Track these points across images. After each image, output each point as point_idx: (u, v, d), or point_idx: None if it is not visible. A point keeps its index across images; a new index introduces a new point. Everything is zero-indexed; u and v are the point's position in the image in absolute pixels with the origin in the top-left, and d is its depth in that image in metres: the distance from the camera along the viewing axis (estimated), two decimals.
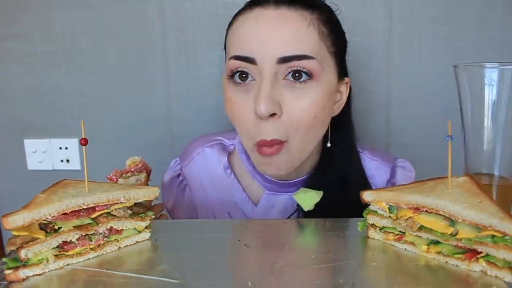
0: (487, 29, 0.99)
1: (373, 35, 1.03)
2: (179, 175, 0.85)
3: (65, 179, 0.54)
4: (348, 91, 0.73)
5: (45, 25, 1.12)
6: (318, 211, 0.64)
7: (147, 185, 0.70)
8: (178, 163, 0.86)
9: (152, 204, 0.73)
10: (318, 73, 0.64)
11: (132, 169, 0.69)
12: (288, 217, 0.71)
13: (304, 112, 0.64)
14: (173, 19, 1.08)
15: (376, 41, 1.03)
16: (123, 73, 1.12)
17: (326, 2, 0.72)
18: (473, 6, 0.99)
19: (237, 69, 0.65)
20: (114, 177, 0.67)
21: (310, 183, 0.75)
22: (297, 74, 0.63)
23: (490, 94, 0.52)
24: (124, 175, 0.68)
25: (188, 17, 1.07)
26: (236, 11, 0.70)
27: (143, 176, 0.70)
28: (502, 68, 0.52)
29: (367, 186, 0.77)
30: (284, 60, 0.62)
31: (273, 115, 0.63)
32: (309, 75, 0.63)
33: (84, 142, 0.51)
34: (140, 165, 0.70)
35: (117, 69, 1.12)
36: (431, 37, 1.02)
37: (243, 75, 0.65)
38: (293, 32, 0.63)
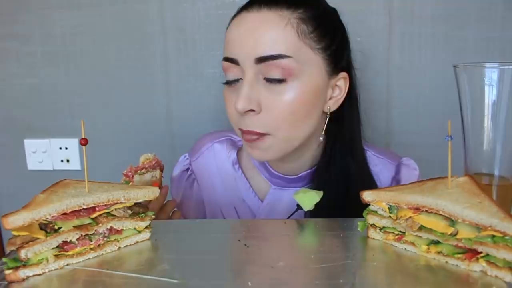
0: (487, 29, 0.99)
1: (373, 34, 1.03)
2: (187, 169, 0.87)
3: (65, 179, 0.54)
4: (347, 86, 0.73)
5: (45, 25, 1.12)
6: (321, 209, 0.64)
7: (161, 181, 0.73)
8: (187, 158, 0.88)
9: (165, 201, 0.75)
10: (294, 71, 0.66)
11: (146, 166, 0.71)
12: (289, 217, 0.71)
13: (281, 109, 0.67)
14: (173, 19, 1.08)
15: (376, 41, 1.03)
16: (123, 73, 1.12)
17: None
18: (473, 6, 0.99)
19: (226, 76, 0.71)
20: (129, 173, 0.69)
21: (315, 177, 0.77)
22: (272, 74, 0.66)
23: (490, 94, 0.52)
24: (139, 171, 0.69)
25: (188, 17, 1.07)
26: (235, 11, 0.72)
27: (157, 173, 0.72)
28: (502, 68, 0.52)
29: (371, 181, 0.78)
30: (260, 60, 0.66)
31: (251, 110, 0.67)
32: (284, 74, 0.66)
33: (84, 142, 0.51)
34: (153, 162, 0.72)
35: (117, 69, 1.12)
36: (431, 37, 1.02)
37: (232, 77, 0.70)
38: (269, 33, 0.66)
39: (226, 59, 0.70)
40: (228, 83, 0.71)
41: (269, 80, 0.66)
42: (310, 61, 0.68)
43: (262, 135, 0.68)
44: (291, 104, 0.67)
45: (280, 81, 0.66)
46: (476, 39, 1.00)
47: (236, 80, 0.70)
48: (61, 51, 1.13)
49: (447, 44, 1.02)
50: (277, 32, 0.66)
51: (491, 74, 0.52)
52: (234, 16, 0.72)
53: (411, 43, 1.03)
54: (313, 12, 0.69)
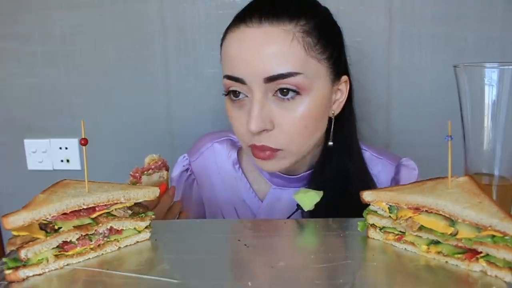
0: (488, 29, 1.00)
1: (373, 35, 1.03)
2: (187, 169, 0.87)
3: (65, 179, 0.54)
4: (348, 88, 0.74)
5: (45, 25, 1.12)
6: (321, 209, 0.64)
7: (168, 182, 0.73)
8: (187, 158, 0.87)
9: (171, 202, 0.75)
10: (306, 86, 0.65)
11: (152, 166, 0.70)
12: (288, 217, 0.71)
13: (294, 125, 0.66)
14: (173, 19, 1.08)
15: (376, 41, 1.03)
16: (123, 73, 1.12)
17: (314, 1, 0.72)
18: (473, 6, 0.99)
19: (229, 88, 0.69)
20: (136, 174, 0.69)
21: (315, 176, 0.77)
22: (284, 91, 0.65)
23: (490, 94, 0.52)
24: (146, 172, 0.69)
25: (188, 17, 1.07)
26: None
27: (165, 173, 0.72)
28: (502, 68, 0.52)
29: (369, 179, 0.78)
30: (270, 79, 0.64)
31: (264, 130, 0.66)
32: (297, 90, 0.65)
33: (84, 142, 0.51)
34: (159, 162, 0.72)
35: (117, 69, 1.12)
36: (431, 37, 1.02)
37: (236, 93, 0.68)
38: (276, 50, 0.64)
39: (230, 78, 0.68)
40: (232, 100, 0.69)
41: (279, 98, 0.66)
42: (318, 73, 0.67)
43: (275, 150, 0.67)
44: (304, 118, 0.66)
45: (291, 98, 0.65)
46: (476, 40, 1.00)
47: (242, 98, 0.68)
48: (61, 51, 1.13)
49: (447, 45, 1.02)
50: (283, 49, 0.64)
51: (491, 74, 0.52)
52: (230, 28, 0.69)
53: (411, 43, 1.03)
54: (314, 21, 0.67)
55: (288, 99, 0.65)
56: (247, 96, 0.68)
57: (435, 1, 1.00)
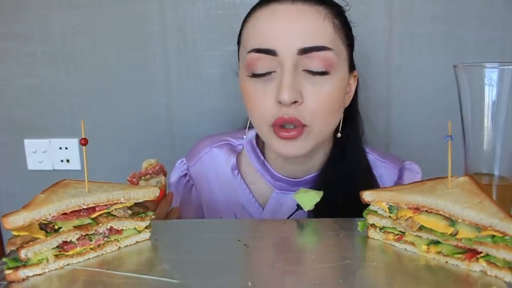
0: (487, 29, 1.00)
1: (373, 35, 1.03)
2: (185, 175, 0.85)
3: (65, 179, 0.54)
4: (356, 84, 0.76)
5: (45, 25, 1.12)
6: (321, 209, 0.64)
7: (166, 187, 0.73)
8: (185, 163, 0.86)
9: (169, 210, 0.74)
10: (335, 63, 0.67)
11: (150, 172, 0.70)
12: (289, 217, 0.71)
13: (322, 101, 0.67)
14: (173, 19, 1.08)
15: (376, 41, 1.03)
16: (123, 73, 1.12)
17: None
18: (473, 6, 0.99)
19: (256, 67, 0.67)
20: (134, 179, 0.68)
21: (321, 178, 0.76)
22: (315, 66, 0.66)
23: (490, 94, 0.52)
24: (143, 177, 0.69)
25: (188, 17, 1.07)
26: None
27: (162, 178, 0.71)
28: (502, 68, 0.52)
29: (374, 182, 0.78)
30: (304, 51, 0.65)
31: (294, 102, 0.65)
32: (327, 66, 0.66)
33: (84, 142, 0.51)
34: (157, 167, 0.71)
35: (117, 69, 1.12)
36: (431, 37, 1.02)
37: (265, 69, 0.67)
38: (310, 25, 0.66)
39: (260, 51, 0.67)
40: (258, 75, 0.68)
41: (310, 72, 0.66)
42: (342, 54, 0.69)
43: (301, 127, 0.67)
44: (330, 96, 0.67)
45: (322, 73, 0.66)
46: (476, 40, 1.00)
47: (269, 73, 0.67)
48: (61, 51, 1.13)
49: (447, 45, 1.02)
50: (316, 25, 0.66)
51: (491, 74, 0.52)
52: (257, 7, 0.70)
53: (411, 43, 1.03)
54: (338, 10, 0.71)
55: (318, 73, 0.66)
56: (275, 71, 0.67)
57: (434, 1, 1.00)
